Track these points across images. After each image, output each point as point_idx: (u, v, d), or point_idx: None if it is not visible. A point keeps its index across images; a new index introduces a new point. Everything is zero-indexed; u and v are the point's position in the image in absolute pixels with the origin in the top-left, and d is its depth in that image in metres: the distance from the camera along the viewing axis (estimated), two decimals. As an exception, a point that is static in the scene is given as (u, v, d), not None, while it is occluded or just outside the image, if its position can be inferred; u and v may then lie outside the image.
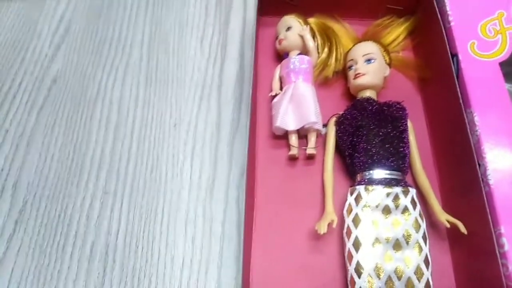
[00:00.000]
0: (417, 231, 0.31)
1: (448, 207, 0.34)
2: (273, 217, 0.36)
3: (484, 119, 0.34)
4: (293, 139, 0.37)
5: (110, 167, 0.39)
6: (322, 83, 0.41)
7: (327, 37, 0.41)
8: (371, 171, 0.34)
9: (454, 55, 0.37)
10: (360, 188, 0.33)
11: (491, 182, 0.31)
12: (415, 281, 0.30)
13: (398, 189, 0.33)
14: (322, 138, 0.39)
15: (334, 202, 0.34)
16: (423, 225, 0.32)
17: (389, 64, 0.39)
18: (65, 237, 0.37)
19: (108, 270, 0.35)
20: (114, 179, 0.39)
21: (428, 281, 0.30)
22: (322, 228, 0.31)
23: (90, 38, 0.47)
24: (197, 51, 0.45)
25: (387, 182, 0.33)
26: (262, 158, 0.38)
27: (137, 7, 0.49)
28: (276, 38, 0.42)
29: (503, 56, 0.37)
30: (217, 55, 0.45)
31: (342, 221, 0.33)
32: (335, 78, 0.42)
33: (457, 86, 0.34)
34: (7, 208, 0.38)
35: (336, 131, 0.37)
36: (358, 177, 0.34)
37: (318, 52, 0.41)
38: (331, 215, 0.32)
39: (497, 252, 0.28)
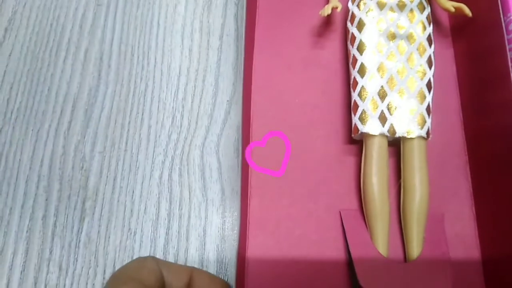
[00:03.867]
0: (421, 11, 0.31)
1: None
2: (278, 18, 0.35)
3: None
4: None
5: (103, -20, 0.38)
6: None
7: None
8: None
9: None
10: None
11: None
12: (416, 55, 0.30)
13: None
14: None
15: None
16: (428, 8, 0.32)
17: None
18: (57, 44, 0.36)
19: (103, 73, 0.35)
20: (108, -9, 0.37)
21: (430, 57, 0.31)
22: (326, 10, 0.30)
23: None
24: None
25: None
26: None
27: None
28: None
29: None
30: None
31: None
32: None
33: None
34: (-5, 17, 0.37)
35: None
36: None
37: None
38: (335, 2, 0.31)
39: (503, 33, 0.28)
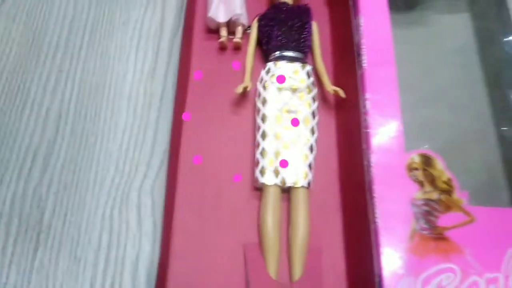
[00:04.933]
0: (308, 93, 0.42)
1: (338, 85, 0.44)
2: (205, 91, 0.44)
3: (368, 23, 0.43)
4: (223, 31, 0.46)
5: (65, 51, 0.46)
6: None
7: None
8: (280, 52, 0.43)
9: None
10: (270, 64, 0.43)
11: (364, 65, 0.41)
12: (302, 126, 0.40)
13: (298, 65, 0.43)
14: (248, 36, 0.46)
15: (252, 79, 0.43)
16: (314, 91, 0.42)
17: None
18: (23, 103, 0.43)
19: (61, 129, 0.43)
20: (68, 60, 0.46)
21: (313, 128, 0.41)
22: (238, 90, 0.41)
23: None
24: (147, -34, 0.52)
25: (290, 59, 0.43)
26: (198, 49, 0.47)
27: None
28: None
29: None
30: (164, -29, 0.52)
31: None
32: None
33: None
34: (-29, 79, 0.44)
35: (258, 26, 0.46)
36: (270, 57, 0.44)
37: None
38: (247, 82, 0.42)
39: (361, 109, 0.38)
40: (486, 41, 0.50)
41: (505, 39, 0.47)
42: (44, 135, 0.42)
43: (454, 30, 0.52)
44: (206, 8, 0.47)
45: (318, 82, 0.44)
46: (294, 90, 0.42)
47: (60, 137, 0.42)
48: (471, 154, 0.41)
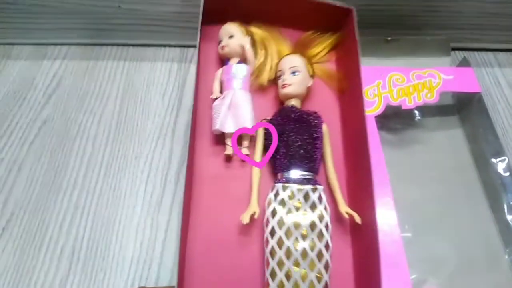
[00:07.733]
0: (320, 221, 0.39)
1: (352, 201, 0.42)
2: (210, 214, 0.43)
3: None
4: (229, 141, 0.44)
5: (82, 187, 0.51)
6: (257, 88, 0.49)
7: (264, 46, 0.48)
8: (288, 171, 0.42)
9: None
10: (279, 186, 0.41)
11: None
12: (316, 261, 0.38)
13: (308, 187, 0.41)
14: (253, 141, 0.46)
15: (260, 196, 0.42)
16: (327, 217, 0.40)
17: (312, 76, 0.47)
18: (41, 241, 0.47)
19: (73, 265, 0.45)
20: (84, 196, 0.50)
21: (327, 262, 0.38)
22: (245, 219, 0.39)
23: (76, 91, 0.59)
24: (159, 103, 0.58)
25: (300, 181, 0.41)
26: (201, 162, 0.45)
27: (115, 68, 0.62)
28: (219, 43, 0.48)
29: (378, 111, 0.51)
30: (174, 106, 0.58)
31: (264, 213, 0.41)
32: (269, 83, 0.49)
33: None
34: (-3, 219, 0.49)
35: (264, 134, 0.44)
36: (278, 176, 0.42)
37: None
38: (254, 207, 0.40)
39: (378, 242, 0.36)
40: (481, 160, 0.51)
41: (495, 160, 0.49)
42: (57, 273, 0.45)
43: (448, 147, 0.54)
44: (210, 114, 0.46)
45: (332, 198, 0.42)
46: (305, 216, 0.39)
47: (72, 274, 0.45)
48: (482, 284, 0.41)
